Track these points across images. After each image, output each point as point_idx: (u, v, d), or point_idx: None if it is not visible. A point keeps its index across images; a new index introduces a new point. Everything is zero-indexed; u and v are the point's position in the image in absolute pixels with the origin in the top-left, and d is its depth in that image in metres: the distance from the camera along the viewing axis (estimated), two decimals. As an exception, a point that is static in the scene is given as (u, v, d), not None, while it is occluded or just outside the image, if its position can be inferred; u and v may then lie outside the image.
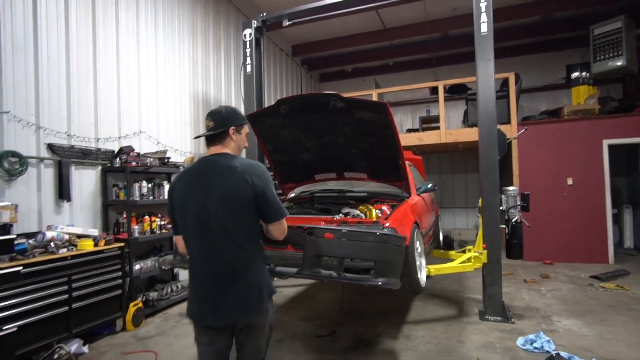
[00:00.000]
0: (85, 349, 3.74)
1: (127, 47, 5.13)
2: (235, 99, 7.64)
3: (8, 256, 3.28)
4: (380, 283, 2.49)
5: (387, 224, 2.94)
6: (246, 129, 2.10)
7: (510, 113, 7.16)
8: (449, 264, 4.28)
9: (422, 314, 4.52)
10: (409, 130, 9.19)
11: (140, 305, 4.44)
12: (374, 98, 7.99)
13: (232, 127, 2.00)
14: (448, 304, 4.87)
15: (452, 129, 8.14)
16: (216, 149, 2.01)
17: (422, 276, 3.45)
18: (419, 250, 3.51)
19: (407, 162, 4.92)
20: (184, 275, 5.74)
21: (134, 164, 4.60)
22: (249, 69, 5.61)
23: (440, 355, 3.43)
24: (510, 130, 7.01)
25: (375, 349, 3.61)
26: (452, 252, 5.21)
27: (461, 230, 10.20)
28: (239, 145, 2.07)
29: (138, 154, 4.75)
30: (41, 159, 4.01)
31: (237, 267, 1.87)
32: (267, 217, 1.93)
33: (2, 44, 3.70)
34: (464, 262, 4.31)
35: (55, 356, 3.40)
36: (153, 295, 4.77)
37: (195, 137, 2.80)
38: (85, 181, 4.51)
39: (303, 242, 2.63)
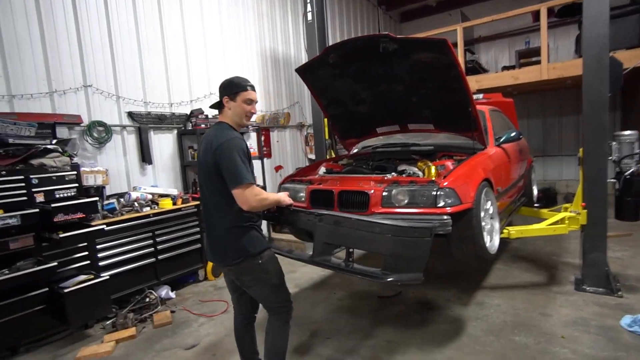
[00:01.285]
0: (173, 294, 4.24)
1: (190, 8, 5.19)
2: (305, 53, 7.39)
3: (100, 214, 3.77)
4: (391, 280, 2.22)
5: (445, 184, 2.55)
6: (243, 95, 2.12)
7: (642, 33, 5.57)
8: (534, 226, 3.67)
9: (503, 279, 4.05)
10: (505, 68, 7.91)
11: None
12: (458, 33, 6.96)
13: (225, 97, 2.14)
14: (537, 268, 4.27)
15: (559, 61, 6.74)
16: (219, 119, 2.23)
17: (494, 241, 2.99)
18: (491, 211, 3.03)
19: (490, 108, 4.24)
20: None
21: (202, 125, 4.80)
22: (309, 17, 5.26)
23: (515, 328, 3.04)
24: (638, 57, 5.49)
25: (439, 315, 3.36)
26: (545, 211, 4.48)
27: (569, 181, 8.78)
28: (237, 112, 2.15)
29: (206, 116, 4.93)
30: (123, 127, 4.41)
31: (214, 226, 2.17)
32: (228, 185, 2.02)
33: (80, 24, 4.01)
34: (555, 223, 3.66)
35: (147, 299, 3.90)
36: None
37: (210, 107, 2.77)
38: (164, 145, 4.88)
39: (313, 228, 2.43)
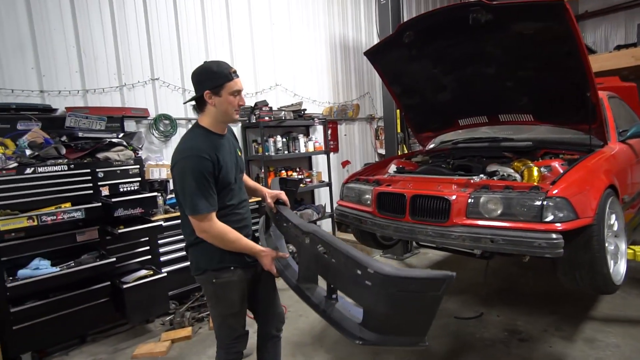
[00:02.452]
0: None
1: (257, -2, 5.00)
2: (377, 40, 6.87)
3: (162, 209, 3.73)
4: (369, 344, 1.39)
5: (555, 191, 1.95)
6: (229, 87, 1.72)
7: None
8: (674, 247, 2.81)
9: (621, 309, 3.22)
10: (619, 48, 6.57)
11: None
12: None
13: (206, 92, 1.72)
14: (668, 298, 3.34)
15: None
16: (198, 120, 1.84)
17: (619, 267, 2.29)
18: (617, 227, 2.32)
19: (608, 93, 3.40)
20: (326, 226, 5.76)
21: (266, 118, 4.59)
22: (383, -3, 4.75)
23: (644, 382, 2.31)
24: None
25: (534, 350, 2.72)
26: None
27: None
28: (223, 109, 1.75)
29: (270, 108, 4.72)
30: (189, 120, 4.37)
31: (184, 238, 1.92)
32: None
33: (149, 17, 4.01)
34: None
35: (193, 300, 3.77)
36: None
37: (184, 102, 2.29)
38: (228, 138, 4.77)
39: (299, 248, 1.79)
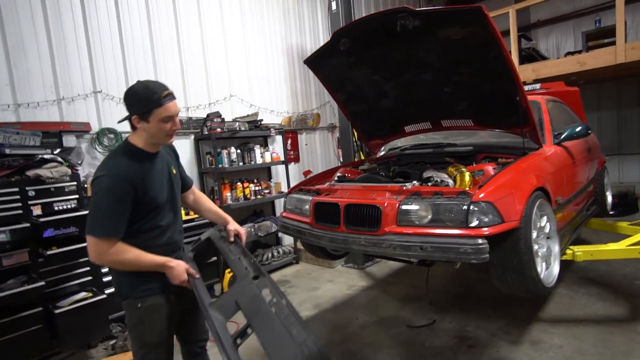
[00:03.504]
0: (184, 311, 3.94)
1: (208, 6, 4.92)
2: (336, 48, 6.90)
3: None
4: None
5: (481, 195, 1.94)
6: (158, 114, 1.60)
7: None
8: (610, 246, 2.86)
9: (567, 309, 3.26)
10: (569, 54, 6.84)
11: (236, 270, 4.46)
12: (511, 17, 6.09)
13: (134, 117, 1.63)
14: (613, 296, 3.40)
15: (637, 40, 5.63)
16: (129, 136, 1.75)
17: (552, 270, 2.30)
18: (548, 229, 2.33)
19: (547, 98, 3.48)
20: (289, 240, 5.66)
21: (218, 130, 4.49)
22: (334, 5, 4.78)
23: (583, 383, 2.31)
24: None
25: (481, 356, 2.70)
26: (624, 224, 3.58)
27: (653, 184, 7.42)
28: (153, 135, 1.67)
29: (222, 119, 4.62)
30: (136, 133, 4.21)
31: None
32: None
33: (89, 26, 3.86)
34: (638, 243, 2.83)
35: None
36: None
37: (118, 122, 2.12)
38: (180, 151, 4.43)
39: (239, 281, 1.69)
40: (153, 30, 4.37)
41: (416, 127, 3.32)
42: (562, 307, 3.29)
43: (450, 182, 2.37)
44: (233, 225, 2.01)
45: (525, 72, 6.11)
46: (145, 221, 1.70)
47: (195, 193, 2.12)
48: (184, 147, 4.67)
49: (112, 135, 3.98)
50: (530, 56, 6.77)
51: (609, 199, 4.31)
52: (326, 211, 2.42)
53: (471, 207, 1.91)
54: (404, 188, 2.24)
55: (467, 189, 2.16)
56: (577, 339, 2.78)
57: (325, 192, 2.62)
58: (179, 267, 1.70)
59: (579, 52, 6.36)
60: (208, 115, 4.62)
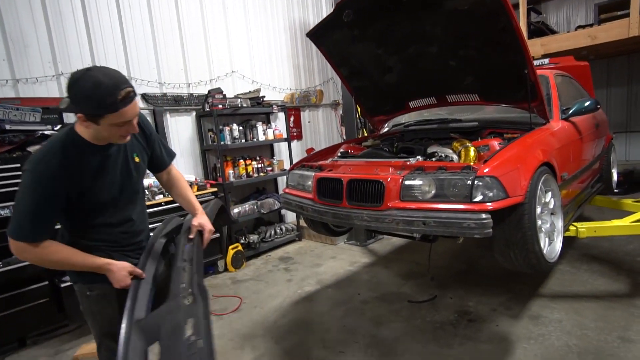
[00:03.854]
0: (189, 286, 4.00)
1: (207, -21, 4.78)
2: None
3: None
4: None
5: (485, 170, 1.91)
6: (112, 118, 1.31)
7: None
8: (613, 222, 2.84)
9: (568, 285, 3.27)
10: (579, 28, 6.63)
11: (240, 248, 4.50)
12: (520, -11, 5.87)
13: (79, 115, 1.32)
14: (615, 272, 3.41)
15: (651, 13, 5.42)
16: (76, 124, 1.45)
17: (554, 245, 2.29)
18: (553, 205, 2.31)
19: (556, 72, 3.39)
20: (291, 217, 5.69)
21: (220, 106, 4.43)
22: (337, -22, 4.61)
23: (581, 358, 2.33)
24: None
25: (481, 330, 2.73)
26: (628, 201, 3.55)
27: (660, 162, 7.34)
28: (101, 135, 1.41)
29: (224, 95, 4.56)
30: (141, 109, 4.16)
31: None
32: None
33: (86, 0, 3.77)
34: (643, 219, 2.81)
35: None
36: (254, 238, 4.80)
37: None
38: (182, 128, 4.60)
39: (171, 298, 1.50)
40: (152, 3, 4.25)
41: (421, 103, 3.25)
42: (563, 283, 3.31)
43: (455, 157, 2.34)
44: (198, 220, 1.78)
45: (534, 47, 5.94)
46: (87, 219, 1.52)
47: (171, 173, 1.87)
48: (186, 124, 4.63)
49: (112, 112, 3.93)
50: (539, 30, 6.56)
51: (615, 176, 4.26)
52: (329, 187, 2.40)
53: (475, 182, 1.89)
54: (408, 163, 2.21)
55: (472, 164, 2.12)
56: (578, 314, 2.80)
57: (328, 168, 2.59)
58: (120, 273, 1.50)
59: (591, 25, 6.15)
60: (209, 92, 4.55)
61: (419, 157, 2.33)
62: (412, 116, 3.56)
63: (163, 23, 4.36)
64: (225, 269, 4.43)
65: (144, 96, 4.20)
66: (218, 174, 4.64)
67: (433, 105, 3.20)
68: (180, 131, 4.58)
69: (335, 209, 2.32)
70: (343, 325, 2.99)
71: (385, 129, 3.67)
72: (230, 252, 4.39)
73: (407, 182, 2.06)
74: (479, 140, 2.51)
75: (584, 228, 2.71)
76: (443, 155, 2.36)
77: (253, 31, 5.31)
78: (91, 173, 1.45)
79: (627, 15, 5.19)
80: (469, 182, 1.90)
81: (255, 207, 4.85)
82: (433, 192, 2.01)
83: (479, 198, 1.88)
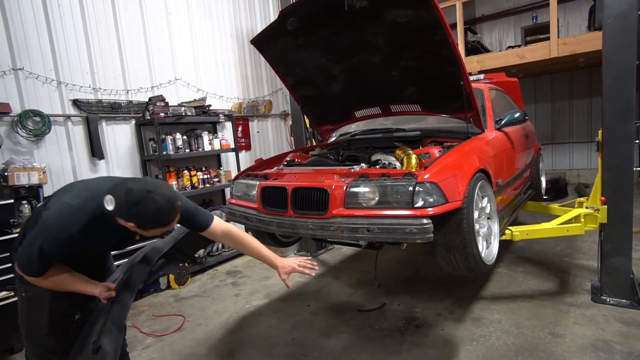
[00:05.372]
0: (126, 307, 3.70)
1: (148, -17, 4.58)
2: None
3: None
4: None
5: (426, 176, 1.95)
6: (161, 230, 1.53)
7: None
8: (543, 225, 3.06)
9: (506, 286, 3.45)
10: (510, 48, 7.20)
11: (185, 263, 4.26)
12: (457, 9, 6.28)
13: (131, 224, 1.48)
14: (546, 272, 3.66)
15: (567, 37, 6.04)
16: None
17: (491, 248, 2.40)
18: (489, 210, 2.42)
19: (490, 86, 3.62)
20: (240, 228, 5.50)
21: (162, 114, 4.21)
22: (284, -11, 4.63)
23: (519, 354, 2.44)
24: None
25: (427, 335, 2.78)
26: (555, 206, 3.85)
27: (580, 170, 8.11)
28: (144, 236, 1.63)
29: (166, 103, 4.35)
30: (67, 117, 3.85)
31: None
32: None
33: (6, -6, 3.44)
34: (569, 221, 3.04)
35: None
36: (200, 252, 4.57)
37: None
38: (120, 137, 4.31)
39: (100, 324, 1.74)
40: (85, 3, 3.98)
41: (366, 113, 3.31)
42: (501, 285, 3.48)
43: (398, 164, 2.38)
44: (284, 271, 1.94)
45: (471, 64, 6.36)
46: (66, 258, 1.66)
47: (222, 230, 1.92)
48: (124, 133, 4.34)
49: (38, 119, 3.59)
50: (475, 48, 7.05)
51: (544, 183, 4.61)
52: (274, 196, 2.34)
53: (417, 187, 1.92)
54: (352, 171, 2.22)
55: (414, 170, 2.17)
56: (515, 313, 2.94)
57: (273, 177, 2.53)
58: (103, 294, 1.70)
59: (519, 46, 6.72)
60: (150, 99, 4.33)
61: (363, 164, 2.35)
62: (360, 126, 3.61)
63: (98, 22, 4.08)
64: (168, 286, 4.16)
65: (76, 102, 3.88)
66: (160, 186, 4.38)
67: (378, 115, 3.27)
68: (118, 140, 4.28)
69: (280, 218, 2.26)
70: (292, 338, 2.90)
71: (333, 139, 3.69)
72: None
73: (352, 190, 2.06)
74: (421, 148, 2.58)
75: (518, 231, 2.88)
76: (386, 162, 2.40)
77: (198, 38, 5.16)
78: (96, 236, 1.59)
79: (548, 38, 5.73)
80: (411, 188, 1.93)
81: (201, 219, 4.62)
82: (377, 198, 2.02)
83: (420, 204, 1.91)
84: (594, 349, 2.43)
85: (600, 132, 2.93)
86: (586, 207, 3.06)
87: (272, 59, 3.08)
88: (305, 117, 4.75)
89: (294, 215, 2.20)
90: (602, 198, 2.93)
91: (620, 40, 2.70)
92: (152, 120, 4.19)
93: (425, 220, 1.88)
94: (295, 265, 1.88)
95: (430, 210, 1.91)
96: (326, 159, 2.75)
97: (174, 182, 4.39)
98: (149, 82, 4.58)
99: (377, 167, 2.39)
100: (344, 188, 2.07)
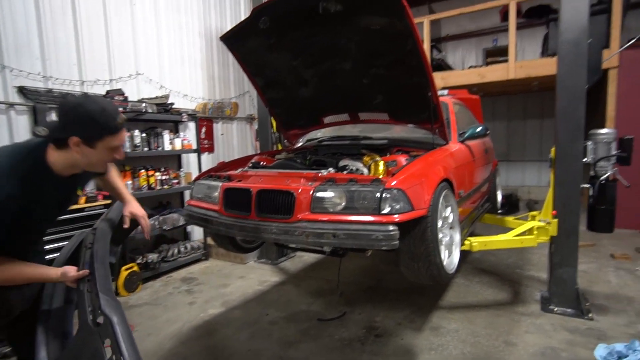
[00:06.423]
0: (67, 314, 3.40)
1: (112, -29, 4.35)
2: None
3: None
4: None
5: (393, 183, 1.95)
6: (109, 142, 1.39)
7: (611, 34, 5.31)
8: (499, 237, 3.17)
9: (463, 296, 3.53)
10: (472, 68, 7.55)
11: (136, 269, 4.00)
12: (425, 27, 6.50)
13: (74, 138, 1.35)
14: (500, 283, 3.79)
15: (524, 60, 6.42)
16: (47, 154, 1.42)
17: (453, 258, 2.43)
18: (451, 219, 2.46)
19: (454, 100, 3.73)
20: (198, 234, 5.30)
21: (120, 109, 3.96)
22: (256, -10, 4.56)
23: (475, 363, 2.49)
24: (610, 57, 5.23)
25: (386, 344, 2.76)
26: (510, 219, 4.02)
27: (531, 187, 8.59)
28: (90, 162, 1.43)
29: (125, 98, 4.12)
30: (10, 105, 3.52)
31: None
32: None
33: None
34: (523, 233, 3.17)
35: None
36: (153, 257, 4.32)
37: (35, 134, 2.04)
38: (71, 130, 4.01)
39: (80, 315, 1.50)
40: (39, -16, 3.70)
41: (335, 119, 3.30)
42: (458, 294, 3.56)
43: (365, 170, 2.37)
44: (129, 209, 1.80)
45: (436, 80, 6.51)
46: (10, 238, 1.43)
47: (111, 172, 1.87)
48: (76, 126, 4.05)
49: (-24, 104, 3.26)
50: (439, 66, 7.34)
51: (499, 197, 4.82)
52: (237, 198, 2.24)
53: (384, 194, 1.91)
54: (320, 175, 2.17)
55: (381, 177, 2.16)
56: (471, 322, 3.00)
57: (237, 179, 2.43)
58: (70, 277, 1.51)
59: (480, 66, 7.06)
60: (108, 92, 4.08)
61: (331, 169, 2.31)
62: (327, 132, 3.59)
63: (52, 7, 3.79)
64: (117, 293, 3.88)
65: (22, 90, 3.57)
66: (113, 184, 4.11)
67: (346, 122, 3.27)
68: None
69: (242, 221, 2.17)
70: (248, 349, 2.78)
71: (300, 144, 3.64)
72: (124, 274, 3.87)
73: (319, 194, 2.01)
74: (388, 156, 2.59)
75: (476, 242, 2.95)
76: (354, 168, 2.38)
77: (164, 33, 4.96)
78: (37, 200, 1.42)
79: (507, 60, 6.07)
80: (378, 194, 1.92)
81: (157, 222, 4.40)
82: (343, 203, 1.99)
83: (386, 210, 1.90)
84: (543, 355, 2.53)
85: (553, 149, 3.09)
86: (539, 221, 3.21)
87: (242, 58, 2.99)
88: (272, 120, 4.68)
89: (258, 219, 2.11)
90: (554, 212, 3.08)
91: (574, 64, 2.88)
92: (108, 114, 3.94)
93: (391, 227, 1.86)
94: (143, 215, 1.83)
95: (397, 217, 1.90)
96: (293, 163, 2.69)
97: (129, 182, 4.15)
98: (108, 74, 4.32)
99: (345, 172, 2.36)
100: (311, 192, 2.01)
